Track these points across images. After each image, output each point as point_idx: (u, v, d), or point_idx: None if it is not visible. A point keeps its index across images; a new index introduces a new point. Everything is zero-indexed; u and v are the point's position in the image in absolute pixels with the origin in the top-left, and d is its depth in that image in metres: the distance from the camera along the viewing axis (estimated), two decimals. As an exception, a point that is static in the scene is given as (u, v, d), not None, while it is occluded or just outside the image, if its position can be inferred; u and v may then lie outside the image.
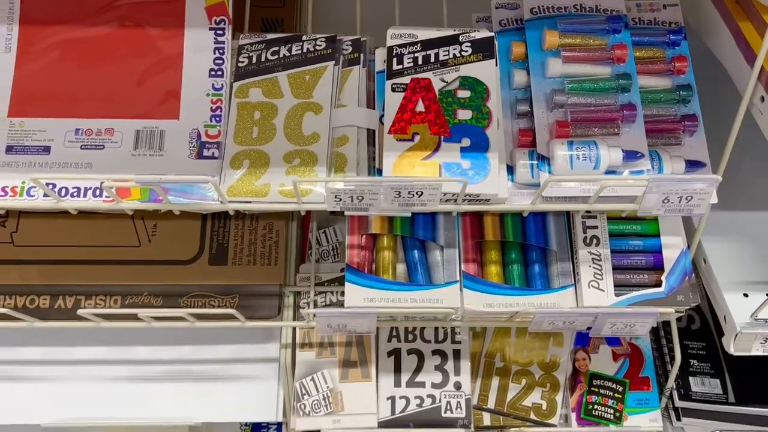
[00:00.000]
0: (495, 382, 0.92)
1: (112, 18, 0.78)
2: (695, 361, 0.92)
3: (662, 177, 0.67)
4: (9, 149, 0.73)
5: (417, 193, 0.66)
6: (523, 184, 0.72)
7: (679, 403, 0.89)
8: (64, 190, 0.71)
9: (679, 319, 0.95)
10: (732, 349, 0.78)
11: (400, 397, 0.87)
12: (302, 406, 0.84)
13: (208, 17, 0.78)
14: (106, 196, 0.70)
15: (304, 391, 0.85)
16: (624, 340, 0.94)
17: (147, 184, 0.67)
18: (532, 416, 0.91)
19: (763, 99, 0.70)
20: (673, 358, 0.88)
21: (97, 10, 0.78)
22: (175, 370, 0.88)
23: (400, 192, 0.66)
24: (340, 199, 0.67)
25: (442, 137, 0.71)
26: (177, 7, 0.78)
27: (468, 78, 0.74)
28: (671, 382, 0.89)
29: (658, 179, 0.66)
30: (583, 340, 0.94)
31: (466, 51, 0.75)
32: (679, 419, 0.90)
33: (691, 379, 0.91)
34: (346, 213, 0.69)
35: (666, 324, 0.94)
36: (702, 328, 0.95)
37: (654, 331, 0.95)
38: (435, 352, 0.89)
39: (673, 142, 0.75)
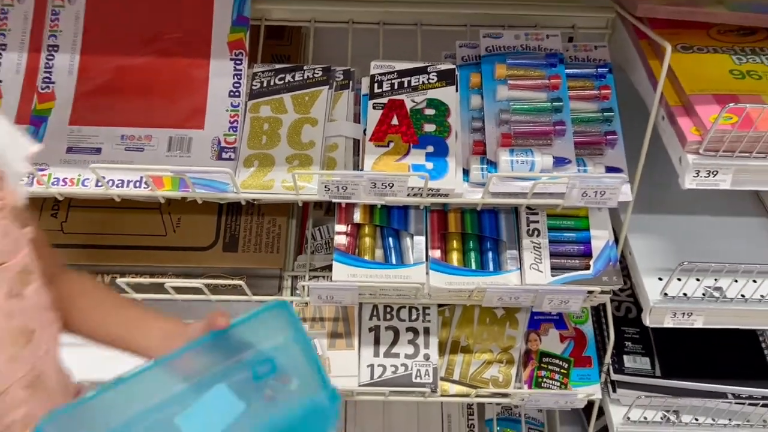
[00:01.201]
0: (460, 358, 1.09)
1: (153, 50, 0.97)
2: (630, 343, 1.09)
3: (581, 175, 0.86)
4: (69, 149, 0.92)
5: (389, 185, 0.85)
6: (476, 183, 0.91)
7: (614, 377, 1.06)
8: (111, 182, 0.90)
9: (618, 309, 1.13)
10: (648, 321, 0.95)
11: (378, 365, 1.04)
12: (296, 369, 1.01)
13: (229, 50, 0.98)
14: (145, 186, 0.89)
15: (298, 357, 1.02)
16: (570, 325, 1.11)
17: (178, 174, 0.86)
18: (491, 387, 1.07)
19: (663, 118, 0.89)
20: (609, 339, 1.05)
21: (141, 44, 0.98)
22: (191, 340, 1.05)
23: (375, 183, 0.84)
24: (329, 189, 0.85)
25: (412, 145, 0.90)
26: (204, 41, 0.98)
27: (433, 100, 0.93)
28: (608, 358, 1.05)
29: (578, 177, 0.85)
30: (535, 325, 1.11)
31: (433, 79, 0.95)
32: (614, 391, 1.07)
33: (625, 357, 1.07)
34: (334, 201, 0.88)
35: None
36: (637, 317, 1.11)
37: (597, 319, 1.12)
38: (408, 329, 1.07)
39: (597, 152, 0.94)
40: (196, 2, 0.98)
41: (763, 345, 1.09)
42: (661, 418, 1.06)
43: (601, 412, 1.11)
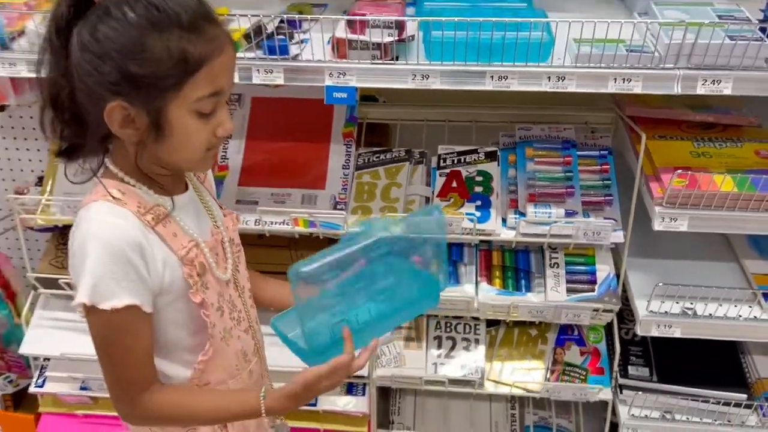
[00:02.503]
0: (502, 365, 1.45)
1: (293, 138, 1.45)
2: (634, 357, 1.41)
3: (583, 220, 1.25)
4: (237, 201, 1.39)
5: (450, 224, 1.26)
6: (511, 227, 1.31)
7: (621, 381, 1.38)
8: (267, 223, 1.35)
9: (627, 334, 1.46)
10: (639, 330, 1.29)
11: (440, 364, 1.41)
12: (380, 362, 1.40)
13: (343, 138, 1.44)
14: (286, 224, 1.34)
15: (382, 353, 1.40)
16: (588, 343, 1.45)
17: (311, 216, 1.30)
18: (524, 387, 1.42)
19: (643, 185, 1.28)
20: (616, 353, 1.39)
21: (285, 134, 1.46)
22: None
23: (440, 223, 1.26)
24: (409, 227, 1.27)
25: (466, 200, 1.32)
26: (327, 132, 1.45)
27: (481, 170, 1.36)
28: (616, 366, 1.39)
29: (581, 221, 1.24)
30: (560, 342, 1.46)
31: (482, 157, 1.38)
32: (621, 393, 1.39)
33: (629, 367, 1.40)
34: (412, 236, 1.29)
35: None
36: (641, 339, 1.44)
37: (609, 339, 1.46)
38: (463, 339, 1.44)
39: (598, 209, 1.32)
40: (323, 107, 1.46)
41: (742, 358, 1.40)
42: (659, 417, 1.37)
43: (615, 428, 1.42)
